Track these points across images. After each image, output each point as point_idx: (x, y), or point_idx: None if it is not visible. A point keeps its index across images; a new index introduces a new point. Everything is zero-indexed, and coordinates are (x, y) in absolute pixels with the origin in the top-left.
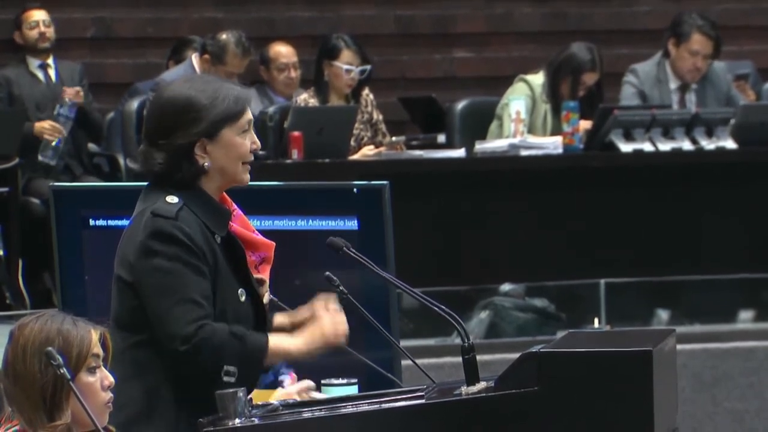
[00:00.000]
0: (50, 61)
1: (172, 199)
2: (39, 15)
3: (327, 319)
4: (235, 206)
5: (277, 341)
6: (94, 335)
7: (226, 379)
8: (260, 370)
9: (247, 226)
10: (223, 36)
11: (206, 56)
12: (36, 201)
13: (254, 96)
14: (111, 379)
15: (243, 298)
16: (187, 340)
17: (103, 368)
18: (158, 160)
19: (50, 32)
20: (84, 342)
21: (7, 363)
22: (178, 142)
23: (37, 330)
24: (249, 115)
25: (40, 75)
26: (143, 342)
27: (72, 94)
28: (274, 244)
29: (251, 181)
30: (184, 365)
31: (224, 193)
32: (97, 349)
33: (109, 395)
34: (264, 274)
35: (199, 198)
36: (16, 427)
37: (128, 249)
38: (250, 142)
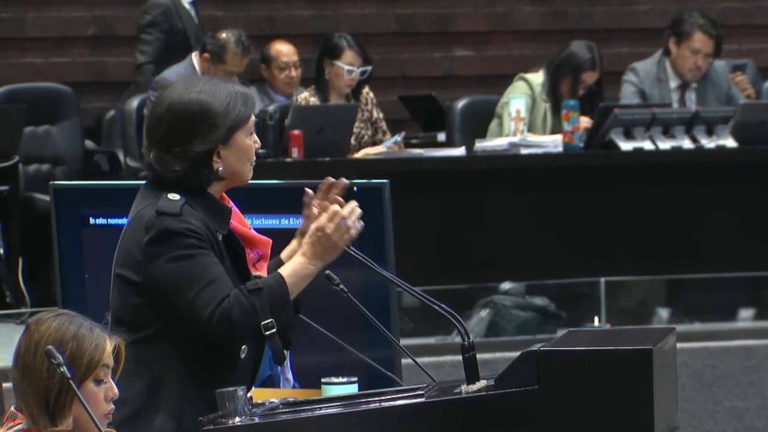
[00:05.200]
0: None
1: (174, 196)
2: None
3: (323, 219)
4: (231, 203)
5: (290, 270)
6: (109, 345)
7: (268, 333)
8: (291, 306)
9: (244, 222)
10: (223, 35)
11: (206, 55)
12: (41, 196)
13: (255, 95)
14: (116, 391)
15: None
16: (211, 318)
17: (110, 379)
18: (175, 167)
19: None
20: (98, 350)
21: (19, 355)
22: (197, 150)
23: (53, 329)
24: (253, 116)
25: (192, 12)
26: (144, 339)
27: None
28: (271, 241)
29: (251, 179)
30: (224, 343)
31: (224, 194)
32: (109, 359)
33: (110, 407)
34: (261, 271)
35: (201, 196)
36: (19, 426)
37: (132, 248)
38: (253, 141)
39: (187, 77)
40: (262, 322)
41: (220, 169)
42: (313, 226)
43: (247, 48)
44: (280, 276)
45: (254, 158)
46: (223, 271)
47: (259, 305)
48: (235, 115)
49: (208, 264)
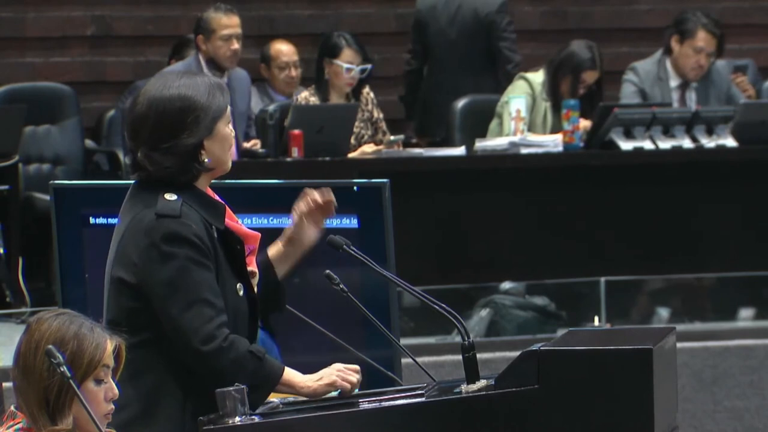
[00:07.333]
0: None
1: (171, 196)
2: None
3: (339, 365)
4: (217, 198)
5: (290, 374)
6: (109, 345)
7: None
8: (266, 396)
9: (232, 217)
10: (203, 13)
11: (200, 37)
12: (41, 196)
13: (254, 94)
14: (116, 391)
15: (241, 293)
16: (207, 340)
17: (110, 379)
18: (165, 164)
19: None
20: (98, 350)
21: (19, 354)
22: (185, 143)
23: (54, 329)
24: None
25: None
26: (140, 343)
27: None
28: (260, 235)
29: (251, 179)
30: (198, 364)
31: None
32: (110, 360)
33: (110, 407)
34: (251, 266)
35: (194, 193)
36: (19, 425)
37: (130, 250)
38: (230, 130)
39: (160, 75)
40: (237, 383)
41: (207, 160)
42: (332, 367)
43: (230, 9)
44: (281, 373)
45: (233, 144)
46: (216, 290)
47: (250, 369)
48: (216, 105)
49: (200, 282)
